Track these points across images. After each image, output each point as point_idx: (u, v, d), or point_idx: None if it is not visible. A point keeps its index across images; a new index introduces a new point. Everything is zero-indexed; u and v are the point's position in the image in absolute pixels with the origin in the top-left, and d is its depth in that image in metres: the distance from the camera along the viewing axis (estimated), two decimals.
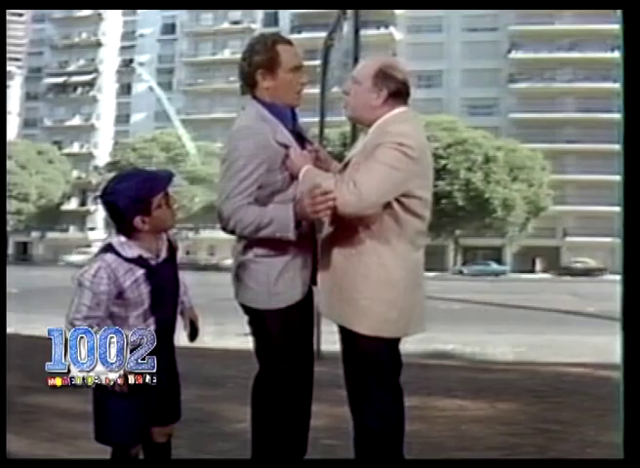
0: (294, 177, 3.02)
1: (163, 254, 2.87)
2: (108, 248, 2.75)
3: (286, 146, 3.02)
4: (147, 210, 2.72)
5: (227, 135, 3.10)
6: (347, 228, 2.93)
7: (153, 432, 2.94)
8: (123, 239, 2.76)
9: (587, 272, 50.85)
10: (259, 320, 3.12)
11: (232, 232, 3.00)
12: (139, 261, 2.76)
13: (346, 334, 3.03)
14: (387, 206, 2.88)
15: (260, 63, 3.05)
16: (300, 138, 3.16)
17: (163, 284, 2.83)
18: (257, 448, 3.18)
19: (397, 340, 3.03)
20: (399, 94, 2.99)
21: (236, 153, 2.97)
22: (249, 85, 3.11)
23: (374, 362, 2.97)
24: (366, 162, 2.88)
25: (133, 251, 2.75)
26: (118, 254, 2.74)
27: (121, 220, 2.74)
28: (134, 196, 2.70)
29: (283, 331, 3.07)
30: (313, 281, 3.12)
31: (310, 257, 3.09)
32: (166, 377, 2.81)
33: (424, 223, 3.00)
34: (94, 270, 2.70)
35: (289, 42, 3.10)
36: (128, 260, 2.74)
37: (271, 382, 3.13)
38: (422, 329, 3.06)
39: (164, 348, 2.81)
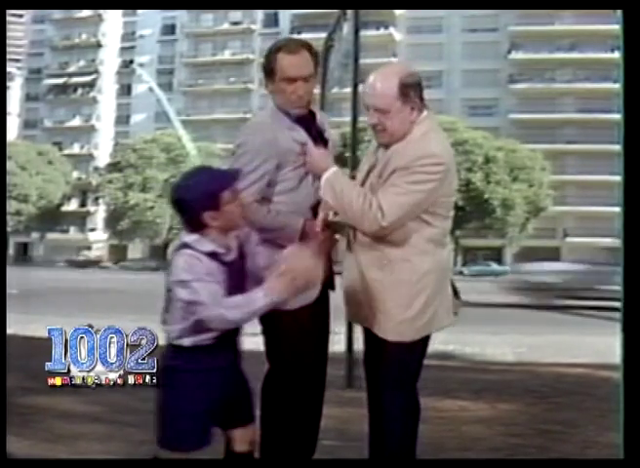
0: (309, 175, 3.01)
1: (235, 252, 2.81)
2: (183, 245, 2.70)
3: (302, 144, 3.02)
4: (216, 205, 2.66)
5: (230, 135, 3.15)
6: (381, 235, 2.90)
7: (234, 439, 2.86)
8: (195, 236, 2.70)
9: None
10: (267, 319, 3.09)
11: None
12: (214, 256, 2.70)
13: (370, 336, 3.01)
14: None
15: (262, 68, 3.11)
16: (322, 139, 3.14)
17: (234, 280, 2.78)
18: (264, 447, 3.18)
19: (422, 342, 3.01)
20: (423, 96, 2.97)
21: (243, 148, 3.02)
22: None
23: (396, 365, 2.95)
24: (390, 183, 2.85)
25: (208, 246, 2.68)
26: (194, 250, 2.67)
27: (190, 216, 2.69)
28: (202, 190, 2.66)
29: (292, 332, 3.07)
30: (331, 284, 3.13)
31: (324, 259, 3.07)
32: (233, 375, 2.80)
33: (449, 222, 3.01)
34: (182, 262, 2.64)
35: (294, 51, 3.04)
36: (207, 255, 2.68)
37: (280, 382, 3.13)
38: (450, 322, 3.06)
39: (233, 346, 2.81)
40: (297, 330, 3.06)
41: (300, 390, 3.10)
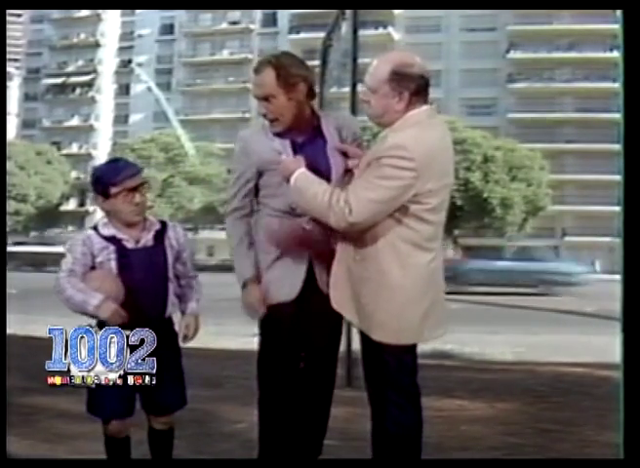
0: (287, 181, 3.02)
1: (145, 242, 3.05)
2: (93, 226, 3.11)
3: (280, 153, 3.09)
4: (106, 194, 3.02)
5: (229, 135, 3.24)
6: (351, 232, 2.87)
7: (150, 419, 3.11)
8: (105, 220, 3.08)
9: None
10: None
11: None
12: (112, 240, 3.00)
13: (365, 336, 2.97)
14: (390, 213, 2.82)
15: None
16: (312, 148, 3.15)
17: (134, 268, 2.99)
18: (263, 447, 3.21)
19: (410, 346, 2.97)
20: (419, 91, 2.88)
21: (233, 157, 3.27)
22: None
23: (389, 365, 2.91)
24: (362, 178, 2.82)
25: (109, 230, 3.04)
26: (97, 231, 3.05)
27: (93, 194, 3.11)
28: (97, 177, 3.07)
29: (268, 326, 3.15)
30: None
31: (306, 260, 3.12)
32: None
33: (434, 227, 2.88)
34: (73, 239, 3.08)
35: (256, 70, 3.13)
36: (104, 238, 3.01)
37: (261, 378, 3.19)
38: (440, 333, 3.00)
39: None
40: (273, 324, 3.13)
41: (278, 387, 3.13)
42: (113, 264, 2.99)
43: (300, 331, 3.14)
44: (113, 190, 2.99)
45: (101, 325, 2.83)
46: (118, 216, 3.04)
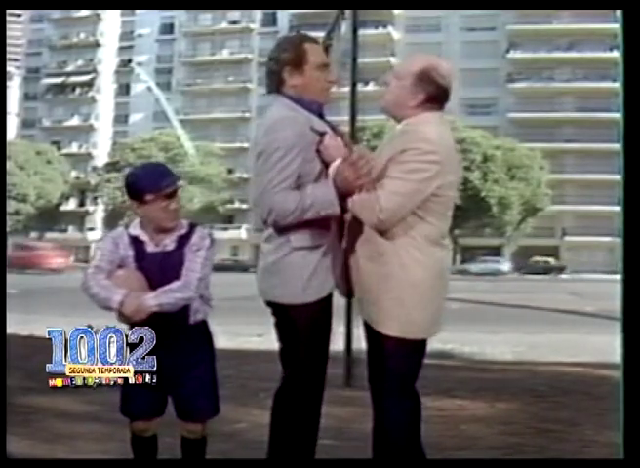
0: (325, 165, 2.94)
1: (164, 246, 3.00)
2: (126, 224, 3.14)
3: (322, 134, 2.98)
4: (141, 200, 2.97)
5: (262, 128, 3.05)
6: (370, 229, 2.91)
7: (180, 426, 3.08)
8: (137, 221, 3.08)
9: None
10: (287, 317, 3.04)
11: (275, 224, 2.95)
12: (135, 241, 3.00)
13: (372, 334, 2.99)
14: None
15: (287, 61, 3.02)
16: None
17: (150, 271, 2.95)
18: (275, 450, 3.12)
19: (423, 342, 3.00)
20: (436, 99, 2.95)
21: (275, 144, 2.93)
22: (276, 83, 3.07)
23: (397, 363, 2.93)
24: (389, 174, 2.85)
25: (135, 231, 3.04)
26: (127, 230, 3.06)
27: (127, 198, 3.05)
28: (133, 182, 3.01)
29: (311, 326, 3.02)
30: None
31: (341, 250, 3.06)
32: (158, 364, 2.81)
33: (446, 222, 2.97)
34: (105, 235, 3.13)
35: (315, 41, 3.09)
36: (130, 238, 3.01)
37: (297, 385, 3.06)
38: (440, 329, 3.04)
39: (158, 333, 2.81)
40: (312, 323, 3.02)
41: (314, 390, 3.08)
42: (131, 266, 2.98)
43: (320, 329, 3.07)
44: (149, 197, 2.94)
45: (133, 326, 2.81)
46: (151, 222, 3.00)
